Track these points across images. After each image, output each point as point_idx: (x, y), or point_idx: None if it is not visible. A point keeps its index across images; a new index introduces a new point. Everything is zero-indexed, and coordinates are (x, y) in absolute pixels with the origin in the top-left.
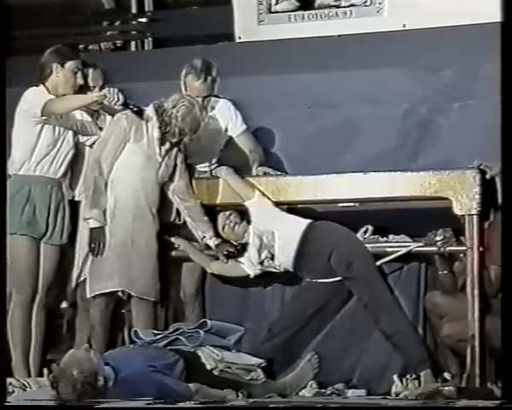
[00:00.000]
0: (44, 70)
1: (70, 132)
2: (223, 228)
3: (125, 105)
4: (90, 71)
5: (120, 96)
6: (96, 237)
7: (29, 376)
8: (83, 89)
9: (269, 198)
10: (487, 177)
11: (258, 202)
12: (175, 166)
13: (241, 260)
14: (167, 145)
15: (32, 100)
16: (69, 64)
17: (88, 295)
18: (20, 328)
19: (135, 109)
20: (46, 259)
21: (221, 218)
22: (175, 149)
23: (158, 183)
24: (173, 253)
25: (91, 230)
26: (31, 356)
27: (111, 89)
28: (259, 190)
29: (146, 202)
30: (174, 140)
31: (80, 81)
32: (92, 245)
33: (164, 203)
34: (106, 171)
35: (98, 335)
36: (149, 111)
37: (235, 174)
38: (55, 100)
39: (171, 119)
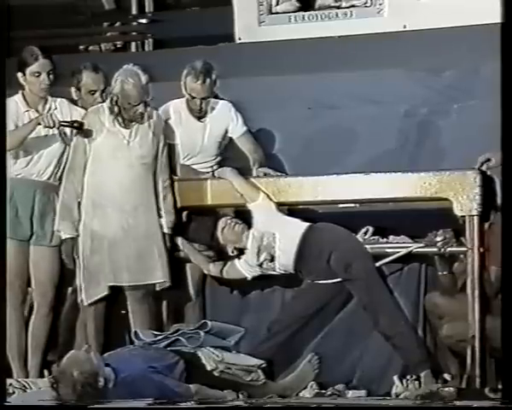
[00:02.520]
0: (17, 81)
1: (57, 135)
2: (222, 230)
3: (61, 125)
4: (92, 75)
5: (55, 119)
6: (67, 248)
7: (26, 377)
8: (83, 93)
9: (272, 200)
10: (483, 168)
11: (262, 205)
12: (157, 146)
13: (238, 262)
14: (131, 124)
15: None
16: (29, 70)
17: (85, 303)
18: (13, 329)
19: (76, 125)
20: (39, 260)
21: (221, 221)
22: (141, 127)
23: (135, 164)
24: (174, 254)
25: (62, 241)
26: (29, 357)
27: (46, 114)
28: (264, 192)
29: (128, 192)
30: (126, 114)
31: (46, 81)
32: (64, 256)
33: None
34: (77, 182)
35: (90, 334)
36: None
37: (239, 175)
38: (9, 134)
39: (113, 100)
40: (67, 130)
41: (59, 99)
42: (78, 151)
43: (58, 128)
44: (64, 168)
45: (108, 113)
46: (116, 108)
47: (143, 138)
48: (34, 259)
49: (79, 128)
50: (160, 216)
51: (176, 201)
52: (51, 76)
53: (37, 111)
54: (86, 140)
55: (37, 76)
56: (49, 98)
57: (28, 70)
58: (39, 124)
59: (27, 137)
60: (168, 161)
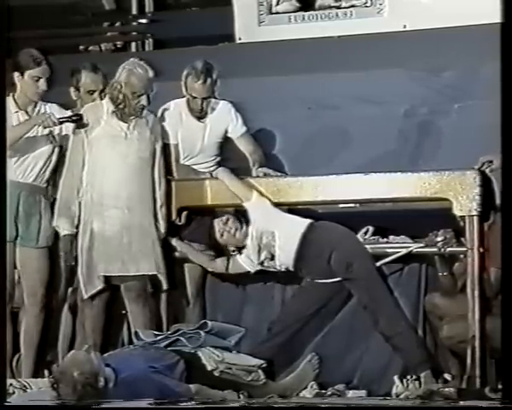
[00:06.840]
0: (11, 80)
1: (44, 138)
2: (221, 235)
3: (61, 122)
4: (91, 75)
5: (54, 119)
6: (66, 244)
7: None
8: (82, 93)
9: (267, 198)
10: (484, 169)
11: (256, 203)
12: (154, 145)
13: (240, 258)
14: (129, 119)
15: None
16: (28, 73)
17: (84, 297)
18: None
19: (75, 118)
20: (27, 260)
21: (218, 224)
22: (139, 122)
23: (133, 158)
24: (174, 254)
25: (61, 238)
26: (22, 357)
27: (43, 115)
28: (257, 191)
29: (125, 185)
30: (127, 105)
31: (43, 87)
32: (62, 253)
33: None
34: (75, 179)
35: (88, 333)
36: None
37: (232, 175)
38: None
39: (116, 89)
40: (55, 133)
41: (49, 104)
42: (75, 148)
43: (59, 125)
44: (51, 170)
45: (107, 106)
46: (121, 96)
47: (141, 133)
48: (21, 259)
49: (79, 120)
50: (156, 220)
51: (170, 209)
52: (49, 82)
53: (26, 113)
54: (84, 136)
55: (37, 81)
56: (39, 102)
57: (28, 73)
58: (38, 125)
59: (21, 138)
60: (165, 166)
